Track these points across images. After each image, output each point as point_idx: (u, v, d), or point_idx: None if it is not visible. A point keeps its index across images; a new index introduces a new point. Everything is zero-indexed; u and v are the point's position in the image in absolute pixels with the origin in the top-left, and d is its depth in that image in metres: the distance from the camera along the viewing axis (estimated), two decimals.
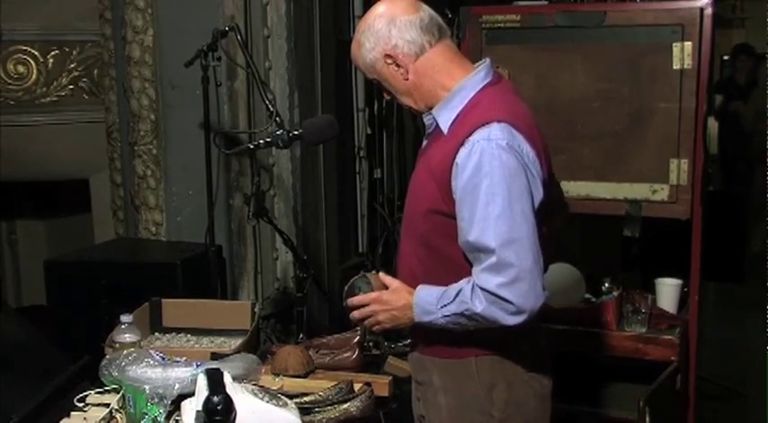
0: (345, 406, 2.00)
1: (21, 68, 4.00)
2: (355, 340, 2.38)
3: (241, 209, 3.53)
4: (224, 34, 2.98)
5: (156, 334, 2.57)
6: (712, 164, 6.63)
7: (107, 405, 1.88)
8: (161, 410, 1.79)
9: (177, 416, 1.81)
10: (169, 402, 1.80)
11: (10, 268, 4.92)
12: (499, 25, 2.94)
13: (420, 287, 1.82)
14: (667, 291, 2.92)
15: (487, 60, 1.90)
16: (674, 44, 2.72)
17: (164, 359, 1.88)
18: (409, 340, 2.08)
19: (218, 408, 1.61)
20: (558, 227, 2.19)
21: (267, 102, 2.90)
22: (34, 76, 4.03)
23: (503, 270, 1.68)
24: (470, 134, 1.73)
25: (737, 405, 4.02)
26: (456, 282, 1.77)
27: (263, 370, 2.08)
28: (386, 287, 1.88)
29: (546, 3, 3.12)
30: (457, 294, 1.74)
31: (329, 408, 1.99)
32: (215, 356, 2.10)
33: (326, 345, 2.41)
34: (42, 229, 4.97)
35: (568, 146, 2.84)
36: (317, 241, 3.94)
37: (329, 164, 3.99)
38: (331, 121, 2.54)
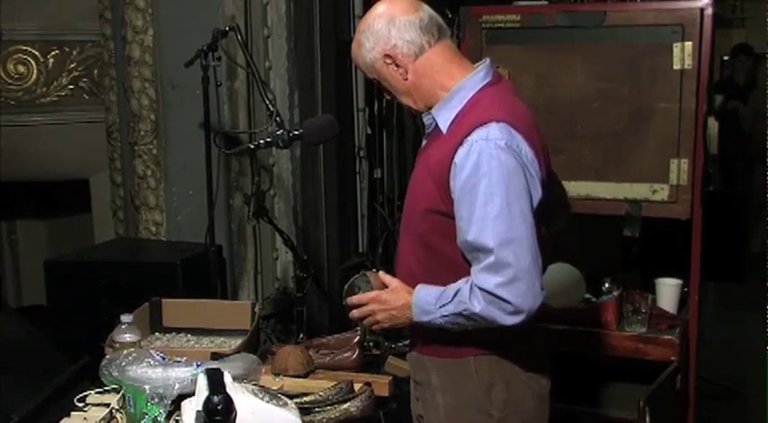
0: (345, 406, 2.01)
1: (21, 68, 4.00)
2: (355, 340, 2.39)
3: (241, 209, 3.53)
4: (224, 34, 2.98)
5: (156, 334, 2.57)
6: (712, 164, 6.63)
7: (107, 405, 1.88)
8: (161, 410, 1.79)
9: (177, 416, 1.81)
10: (169, 402, 1.80)
11: (10, 268, 4.92)
12: (499, 25, 2.94)
13: (419, 287, 1.82)
14: (667, 291, 2.92)
15: (487, 60, 1.90)
16: (674, 44, 2.72)
17: (164, 359, 1.88)
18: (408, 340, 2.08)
19: (219, 408, 1.61)
20: (561, 227, 2.19)
21: (267, 102, 2.90)
22: (34, 76, 4.03)
23: (501, 270, 1.68)
24: (469, 134, 1.73)
25: (737, 405, 4.02)
26: (455, 281, 1.77)
27: (263, 370, 2.08)
28: (385, 286, 1.88)
29: (546, 3, 3.12)
30: (455, 294, 1.74)
31: (329, 408, 1.99)
32: (215, 356, 2.10)
33: (326, 345, 2.41)
34: (42, 229, 4.97)
35: (568, 146, 2.84)
36: (317, 241, 3.94)
37: (329, 164, 3.99)
38: (331, 121, 2.54)
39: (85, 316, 3.03)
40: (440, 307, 1.76)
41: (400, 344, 2.53)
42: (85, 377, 2.07)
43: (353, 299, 1.89)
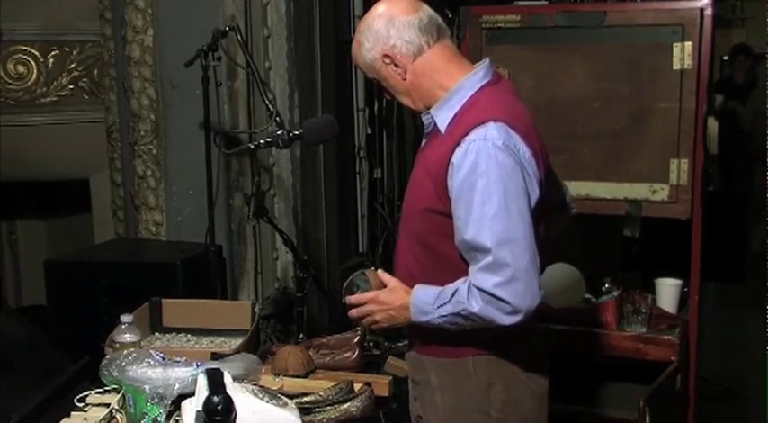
0: (345, 406, 2.00)
1: (21, 68, 4.00)
2: (355, 340, 2.38)
3: (241, 209, 3.53)
4: (224, 34, 2.98)
5: (156, 334, 2.57)
6: (712, 164, 6.62)
7: (107, 405, 1.88)
8: (161, 410, 1.79)
9: (177, 416, 1.81)
10: (169, 402, 1.80)
11: (10, 268, 4.92)
12: (499, 25, 2.94)
13: (417, 287, 1.82)
14: (667, 291, 2.92)
15: (487, 60, 1.90)
16: (674, 44, 2.72)
17: (164, 359, 1.88)
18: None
19: (219, 408, 1.61)
20: (563, 227, 2.18)
21: (267, 102, 2.90)
22: (34, 76, 4.03)
23: (499, 270, 1.68)
24: (467, 134, 1.74)
25: (737, 405, 4.02)
26: (453, 281, 1.77)
27: (263, 370, 2.08)
28: (384, 285, 1.88)
29: (546, 3, 3.12)
30: (453, 294, 1.75)
31: (329, 408, 1.99)
32: (215, 356, 2.10)
33: (326, 345, 2.41)
34: (42, 229, 4.96)
35: (568, 146, 2.84)
36: (317, 241, 3.94)
37: (329, 164, 3.99)
38: (331, 121, 2.54)
39: (85, 316, 3.03)
40: (438, 307, 1.76)
41: (400, 344, 2.52)
42: (85, 377, 2.06)
43: (352, 299, 1.89)
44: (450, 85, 1.84)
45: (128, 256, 3.50)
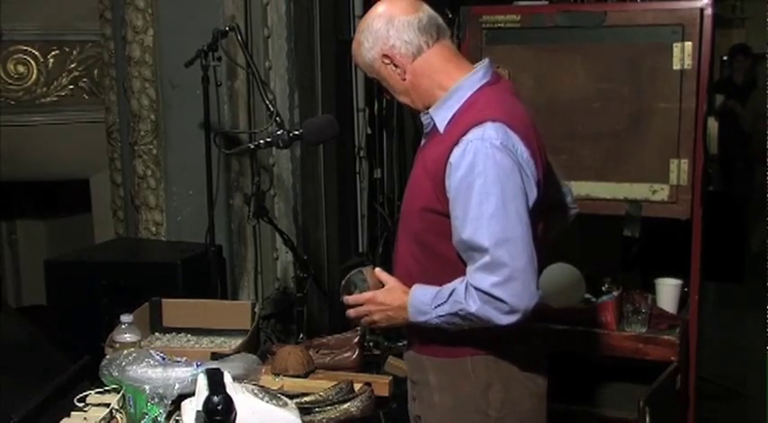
0: (345, 406, 2.00)
1: (21, 68, 4.00)
2: (355, 340, 2.39)
3: (241, 209, 3.53)
4: (224, 34, 2.98)
5: (156, 334, 2.57)
6: (712, 164, 6.62)
7: (107, 405, 1.88)
8: (161, 410, 1.79)
9: (177, 416, 1.81)
10: (169, 402, 1.80)
11: (10, 268, 4.92)
12: (499, 25, 2.94)
13: (415, 287, 1.82)
14: (667, 291, 2.92)
15: (486, 60, 1.90)
16: (674, 44, 2.72)
17: (164, 359, 1.88)
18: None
19: (219, 408, 1.61)
20: (563, 228, 2.18)
21: (267, 102, 2.90)
22: (34, 76, 4.03)
23: (496, 269, 1.68)
24: (465, 133, 1.74)
25: (737, 405, 4.02)
26: (451, 281, 1.77)
27: (263, 370, 2.08)
28: (382, 284, 1.88)
29: (546, 3, 3.12)
30: (450, 294, 1.75)
31: (329, 408, 1.99)
32: (215, 356, 2.10)
33: (326, 345, 2.41)
34: (42, 229, 4.96)
35: (568, 146, 2.84)
36: (317, 241, 3.94)
37: (329, 164, 3.99)
38: (331, 121, 2.54)
39: (85, 316, 3.03)
40: (435, 307, 1.77)
41: (400, 344, 2.52)
42: (85, 377, 2.06)
43: (350, 299, 1.89)
44: (450, 85, 1.84)
45: (128, 256, 3.50)
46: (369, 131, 4.44)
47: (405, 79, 1.85)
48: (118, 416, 1.88)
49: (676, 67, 2.72)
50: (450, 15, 3.59)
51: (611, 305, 2.81)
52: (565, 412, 2.75)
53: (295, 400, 1.91)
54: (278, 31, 3.66)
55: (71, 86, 4.08)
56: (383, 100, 4.39)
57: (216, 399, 1.61)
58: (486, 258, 1.69)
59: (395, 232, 2.01)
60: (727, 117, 6.99)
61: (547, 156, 1.94)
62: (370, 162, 4.49)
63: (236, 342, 2.39)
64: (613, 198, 2.85)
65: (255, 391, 1.79)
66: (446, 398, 1.89)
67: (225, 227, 3.52)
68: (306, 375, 2.24)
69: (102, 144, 3.97)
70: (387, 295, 1.86)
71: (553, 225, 2.06)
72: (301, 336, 2.67)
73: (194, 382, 1.76)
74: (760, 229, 5.78)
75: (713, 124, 6.80)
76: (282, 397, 1.84)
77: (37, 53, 4.01)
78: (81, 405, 1.90)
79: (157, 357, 1.87)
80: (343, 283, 1.93)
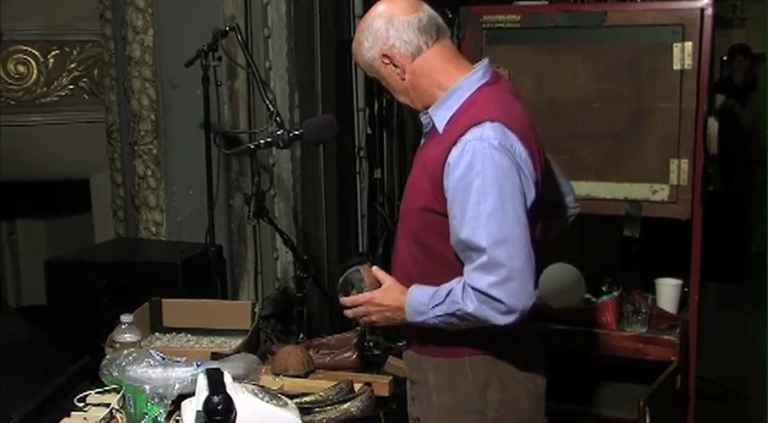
0: (345, 406, 2.00)
1: (21, 68, 4.00)
2: (355, 340, 2.38)
3: (241, 209, 3.53)
4: (224, 34, 2.98)
5: (156, 334, 2.57)
6: (712, 164, 6.62)
7: (107, 405, 1.88)
8: (161, 410, 1.79)
9: (177, 416, 1.81)
10: (169, 402, 1.80)
11: (10, 268, 4.92)
12: (499, 25, 2.94)
13: (413, 287, 1.83)
14: (667, 291, 2.92)
15: (486, 60, 1.90)
16: (674, 44, 2.72)
17: (164, 359, 1.88)
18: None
19: (219, 408, 1.61)
20: (563, 227, 2.18)
21: (267, 102, 2.90)
22: (34, 76, 4.03)
23: (494, 269, 1.68)
24: (463, 133, 1.74)
25: (737, 405, 4.02)
26: (449, 280, 1.77)
27: (264, 370, 2.08)
28: (379, 282, 1.88)
29: (546, 3, 3.12)
30: (447, 294, 1.75)
31: (329, 408, 1.99)
32: (215, 356, 2.10)
33: (326, 345, 2.41)
34: (42, 229, 4.96)
35: (568, 146, 2.84)
36: (317, 241, 3.94)
37: (329, 164, 3.99)
38: (331, 121, 2.54)
39: (85, 316, 3.02)
40: (432, 307, 1.77)
41: (400, 344, 2.52)
42: (85, 377, 2.06)
43: (347, 301, 1.89)
44: (449, 85, 1.84)
45: (128, 256, 3.50)
46: (369, 131, 4.44)
47: (404, 79, 1.85)
48: (118, 416, 1.88)
49: (676, 67, 2.72)
50: (450, 15, 3.59)
51: (611, 305, 2.81)
52: (565, 412, 2.75)
53: (295, 400, 1.91)
54: (278, 31, 3.66)
55: (71, 86, 4.08)
56: (383, 100, 4.39)
57: (216, 399, 1.61)
58: (484, 258, 1.69)
59: (395, 232, 2.00)
60: (727, 117, 6.99)
61: (546, 155, 1.94)
62: (370, 162, 4.49)
63: (236, 342, 2.38)
64: (613, 198, 2.85)
65: (255, 391, 1.78)
66: (444, 398, 1.89)
67: (225, 227, 3.52)
68: (306, 375, 2.24)
69: (102, 144, 3.97)
70: (384, 296, 1.86)
71: (552, 225, 2.07)
72: (301, 336, 2.67)
73: (194, 382, 1.76)
74: (760, 229, 5.78)
75: (713, 124, 6.80)
76: (282, 397, 1.84)
77: (37, 53, 4.02)
78: (81, 405, 1.90)
79: (157, 357, 1.87)
80: (341, 281, 1.93)
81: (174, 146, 3.54)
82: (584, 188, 2.84)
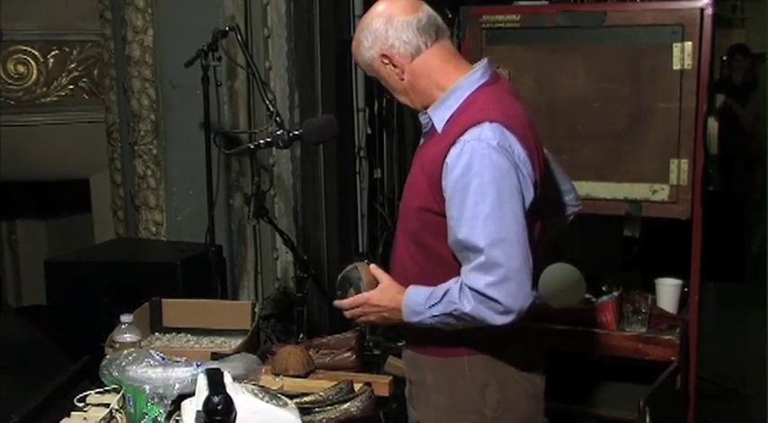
0: (345, 406, 2.01)
1: (21, 68, 4.00)
2: (355, 340, 2.38)
3: (241, 209, 3.53)
4: (224, 34, 2.98)
5: (156, 334, 2.57)
6: (712, 164, 6.62)
7: (107, 405, 1.88)
8: (161, 410, 1.79)
9: (177, 416, 1.81)
10: (169, 402, 1.80)
11: (10, 268, 4.92)
12: (499, 25, 2.94)
13: (410, 287, 1.83)
14: (667, 291, 2.92)
15: (485, 60, 1.90)
16: (674, 44, 2.72)
17: (164, 359, 1.88)
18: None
19: (219, 408, 1.61)
20: (563, 227, 2.18)
21: (267, 102, 2.90)
22: (34, 76, 4.03)
23: (491, 269, 1.68)
24: (462, 133, 1.74)
25: (737, 405, 4.02)
26: (447, 280, 1.77)
27: (264, 370, 2.08)
28: (376, 281, 1.88)
29: (546, 3, 3.12)
30: (444, 294, 1.75)
31: (329, 408, 1.99)
32: (215, 356, 2.10)
33: (326, 345, 2.41)
34: (42, 229, 4.97)
35: (568, 146, 2.84)
36: (317, 241, 3.94)
37: (329, 164, 3.99)
38: (331, 121, 2.54)
39: (85, 316, 3.02)
40: (429, 307, 1.76)
41: (400, 344, 2.52)
42: (85, 377, 2.06)
43: (344, 303, 1.89)
44: (448, 85, 1.84)
45: (128, 256, 3.49)
46: (369, 131, 4.44)
47: (403, 79, 1.85)
48: (118, 416, 1.88)
49: (676, 67, 2.72)
50: (450, 15, 3.59)
51: (611, 305, 2.81)
52: (564, 412, 2.75)
53: (295, 400, 1.91)
54: (278, 31, 3.66)
55: (71, 86, 4.08)
56: (383, 100, 4.39)
57: (216, 399, 1.61)
58: (482, 258, 1.69)
59: (394, 232, 2.01)
60: (727, 117, 6.99)
61: (546, 155, 1.94)
62: (370, 162, 4.49)
63: (236, 342, 2.39)
64: (613, 198, 2.85)
65: (255, 391, 1.79)
66: (443, 397, 1.89)
67: (225, 227, 3.52)
68: (306, 375, 2.24)
69: (102, 144, 3.98)
70: (381, 296, 1.86)
71: (552, 224, 2.06)
72: (301, 336, 2.67)
73: (194, 382, 1.76)
74: (760, 230, 5.78)
75: (713, 124, 6.79)
76: (282, 397, 1.84)
77: (37, 53, 4.02)
78: (81, 405, 1.90)
79: (157, 357, 1.88)
80: (339, 279, 1.93)
81: (174, 146, 3.54)
82: (584, 188, 2.84)
